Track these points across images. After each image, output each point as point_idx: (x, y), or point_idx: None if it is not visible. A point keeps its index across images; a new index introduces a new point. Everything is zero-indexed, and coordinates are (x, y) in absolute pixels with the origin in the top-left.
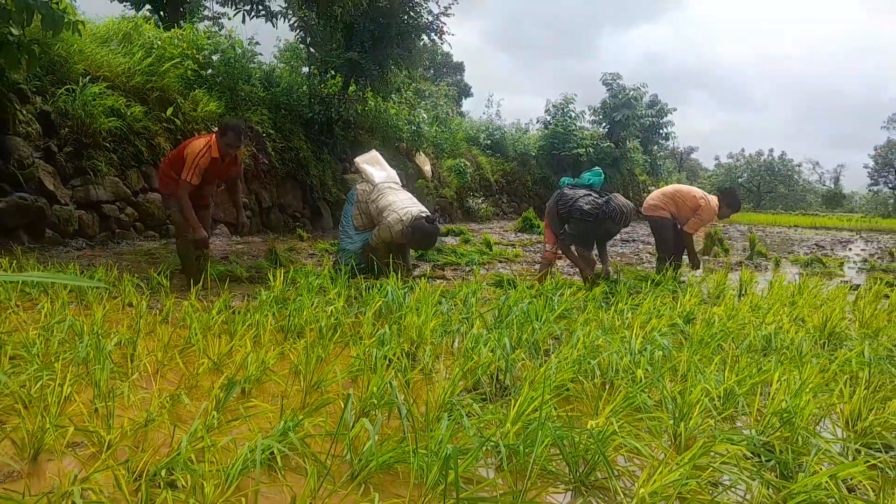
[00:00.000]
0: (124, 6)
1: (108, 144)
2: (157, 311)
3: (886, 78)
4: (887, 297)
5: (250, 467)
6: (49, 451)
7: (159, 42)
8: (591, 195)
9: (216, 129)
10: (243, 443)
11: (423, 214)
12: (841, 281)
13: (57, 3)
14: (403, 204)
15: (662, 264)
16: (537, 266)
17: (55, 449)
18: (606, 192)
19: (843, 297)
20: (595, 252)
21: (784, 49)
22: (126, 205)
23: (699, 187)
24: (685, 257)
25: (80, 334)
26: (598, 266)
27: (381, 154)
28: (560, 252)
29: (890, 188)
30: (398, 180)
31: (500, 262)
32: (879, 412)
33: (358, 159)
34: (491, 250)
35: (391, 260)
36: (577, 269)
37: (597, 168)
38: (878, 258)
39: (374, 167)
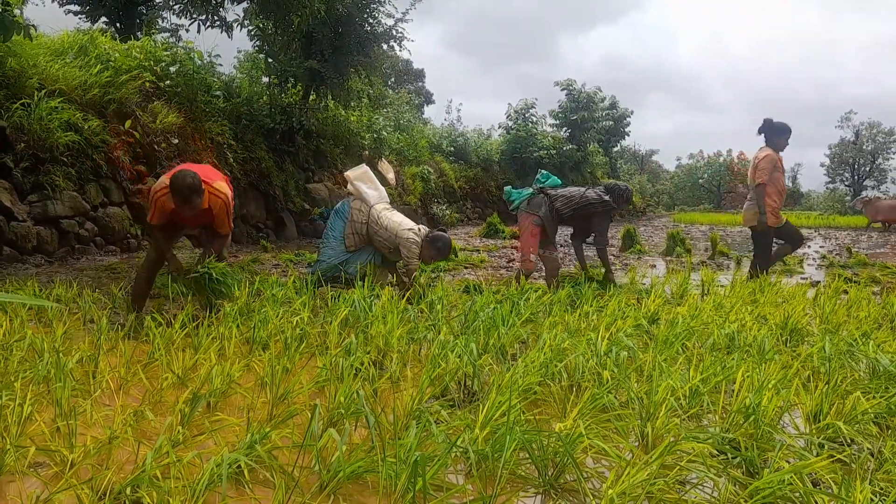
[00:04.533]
0: (79, 19)
1: (65, 159)
2: (119, 327)
3: (838, 78)
4: (846, 292)
5: (217, 482)
6: (10, 473)
7: (116, 54)
8: (577, 190)
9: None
10: (209, 457)
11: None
12: (801, 278)
13: (7, 7)
14: (410, 223)
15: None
16: (502, 271)
17: (16, 470)
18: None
19: (803, 293)
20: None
21: (740, 51)
22: (85, 220)
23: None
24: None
25: (40, 352)
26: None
27: (351, 165)
28: (541, 262)
29: (846, 186)
30: (387, 197)
31: (466, 267)
32: (840, 406)
33: (349, 174)
34: (456, 256)
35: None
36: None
37: (543, 171)
38: (836, 255)
39: (367, 185)
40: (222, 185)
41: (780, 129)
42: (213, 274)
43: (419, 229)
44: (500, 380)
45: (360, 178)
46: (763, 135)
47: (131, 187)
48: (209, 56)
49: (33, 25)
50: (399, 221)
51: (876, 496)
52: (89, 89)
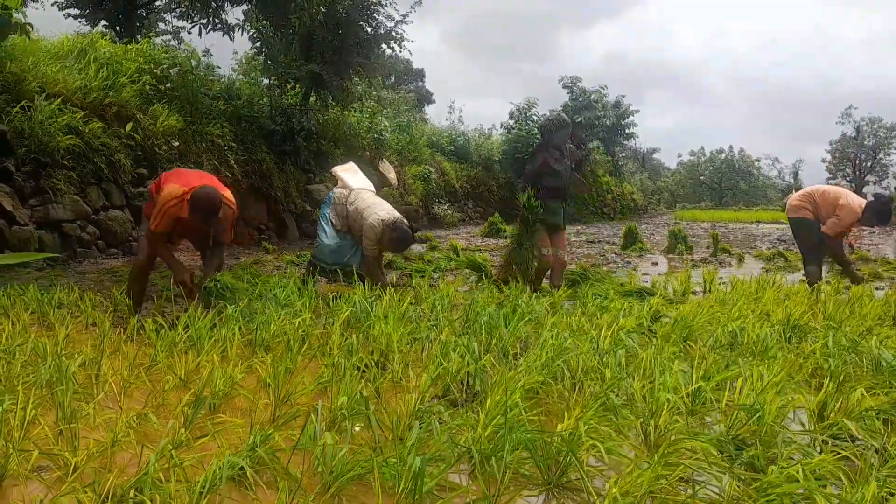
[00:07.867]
0: (79, 22)
1: (66, 162)
2: (122, 330)
3: (840, 72)
4: (848, 288)
5: (220, 484)
6: (13, 477)
7: (115, 57)
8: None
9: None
10: (212, 460)
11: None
12: (803, 274)
13: (6, 9)
14: (384, 207)
15: (810, 267)
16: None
17: (20, 474)
18: None
19: (805, 290)
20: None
21: (742, 45)
22: (87, 223)
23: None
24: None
25: (42, 356)
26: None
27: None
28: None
29: (847, 181)
30: (373, 188)
31: (468, 267)
32: (845, 403)
33: (336, 168)
34: (458, 256)
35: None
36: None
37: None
38: None
39: (351, 175)
40: (230, 195)
41: (881, 214)
42: (222, 283)
43: (390, 216)
44: (503, 379)
45: (345, 170)
46: (868, 203)
47: (132, 190)
48: (206, 56)
49: (29, 24)
50: (370, 204)
51: (881, 492)
52: (89, 92)
